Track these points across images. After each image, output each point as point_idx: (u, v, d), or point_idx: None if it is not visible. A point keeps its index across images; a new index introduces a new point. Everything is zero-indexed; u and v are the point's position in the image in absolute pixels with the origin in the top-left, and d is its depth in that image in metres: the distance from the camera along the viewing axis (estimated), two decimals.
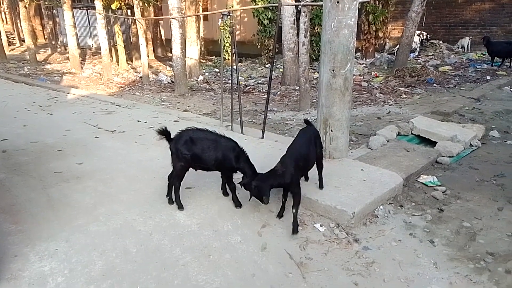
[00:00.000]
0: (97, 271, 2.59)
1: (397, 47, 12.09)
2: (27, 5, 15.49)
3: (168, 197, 3.45)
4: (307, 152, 3.26)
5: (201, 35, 16.89)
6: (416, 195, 3.74)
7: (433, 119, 5.67)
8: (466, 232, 3.10)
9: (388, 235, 3.09)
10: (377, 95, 8.87)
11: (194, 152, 3.19)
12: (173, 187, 3.36)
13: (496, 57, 11.18)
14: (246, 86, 11.18)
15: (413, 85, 9.63)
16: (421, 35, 14.05)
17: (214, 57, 17.65)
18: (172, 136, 3.26)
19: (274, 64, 5.52)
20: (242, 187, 3.16)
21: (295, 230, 3.05)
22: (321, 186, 3.51)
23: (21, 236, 2.95)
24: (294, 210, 3.04)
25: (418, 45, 13.85)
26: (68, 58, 14.99)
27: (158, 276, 2.56)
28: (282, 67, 11.41)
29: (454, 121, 5.98)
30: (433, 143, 4.92)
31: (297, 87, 9.24)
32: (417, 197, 3.69)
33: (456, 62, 12.09)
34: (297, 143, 3.28)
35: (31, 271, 2.58)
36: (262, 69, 14.39)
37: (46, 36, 22.29)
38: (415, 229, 3.17)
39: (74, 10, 14.91)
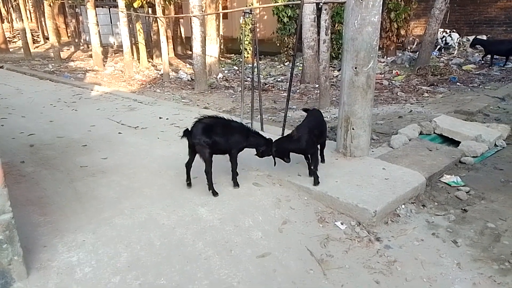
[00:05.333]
0: (122, 262, 2.66)
1: (419, 45, 11.88)
2: (51, 4, 15.85)
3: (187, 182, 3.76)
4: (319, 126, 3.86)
5: (221, 33, 16.96)
6: (439, 195, 3.70)
7: (456, 118, 5.57)
8: (490, 233, 3.06)
9: (410, 234, 3.07)
10: (398, 94, 8.75)
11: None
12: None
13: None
14: (265, 84, 11.17)
15: (435, 83, 9.46)
16: (445, 33, 13.75)
17: (233, 55, 17.69)
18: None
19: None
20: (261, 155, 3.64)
21: (316, 182, 3.55)
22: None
23: (50, 227, 3.05)
24: (313, 166, 3.59)
25: (442, 44, 13.56)
26: (91, 56, 15.30)
27: (181, 269, 2.61)
28: (301, 65, 11.37)
29: (478, 120, 5.87)
30: (456, 143, 4.84)
31: (317, 85, 9.20)
32: (440, 197, 3.65)
33: (480, 60, 11.82)
34: (310, 120, 3.85)
35: (60, 261, 2.66)
36: (281, 67, 14.36)
37: (69, 34, 22.84)
38: (438, 229, 3.14)
39: (97, 8, 15.19)
